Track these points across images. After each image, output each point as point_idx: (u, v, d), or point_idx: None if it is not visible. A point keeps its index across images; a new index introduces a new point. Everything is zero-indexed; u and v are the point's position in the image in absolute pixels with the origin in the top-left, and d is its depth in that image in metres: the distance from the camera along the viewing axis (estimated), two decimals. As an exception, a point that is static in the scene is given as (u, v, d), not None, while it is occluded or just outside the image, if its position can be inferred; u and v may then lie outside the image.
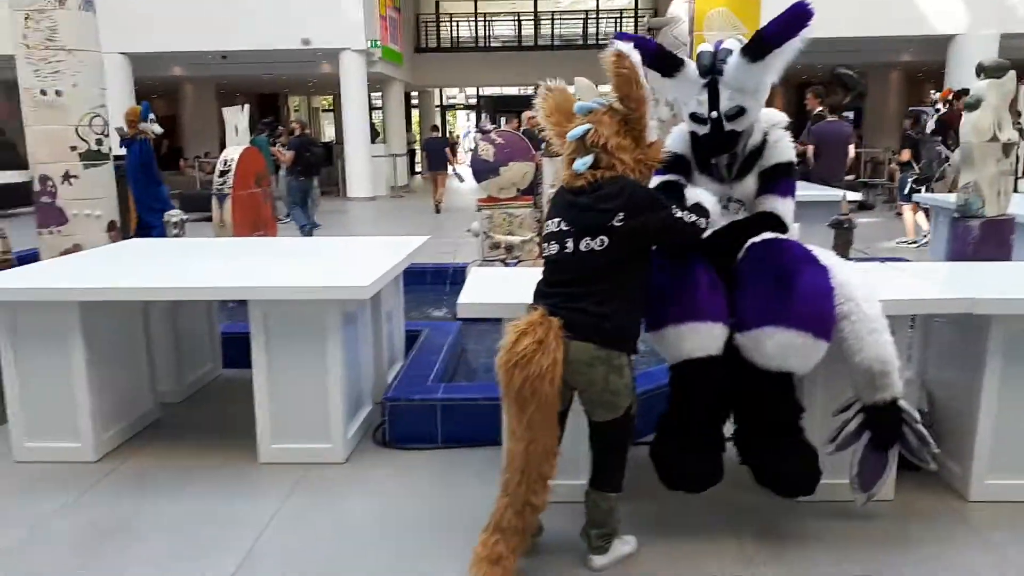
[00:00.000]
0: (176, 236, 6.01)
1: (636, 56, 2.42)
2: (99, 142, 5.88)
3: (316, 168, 11.45)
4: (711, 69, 2.66)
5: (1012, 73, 4.32)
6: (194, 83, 22.51)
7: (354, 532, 2.89)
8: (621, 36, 2.67)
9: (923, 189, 8.88)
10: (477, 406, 3.58)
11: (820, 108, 9.18)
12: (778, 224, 2.79)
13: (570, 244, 2.41)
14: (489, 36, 26.09)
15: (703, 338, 2.55)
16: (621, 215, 2.36)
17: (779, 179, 2.82)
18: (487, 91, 29.51)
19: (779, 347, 2.50)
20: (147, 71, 18.03)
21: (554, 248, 2.47)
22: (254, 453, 3.43)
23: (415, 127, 27.60)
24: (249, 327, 3.36)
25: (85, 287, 3.38)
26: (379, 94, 22.02)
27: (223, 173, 6.22)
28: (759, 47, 2.54)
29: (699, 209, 2.58)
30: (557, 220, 2.49)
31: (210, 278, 3.61)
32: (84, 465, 3.42)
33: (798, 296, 2.51)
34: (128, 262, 4.12)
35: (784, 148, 2.84)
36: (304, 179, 10.87)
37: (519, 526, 2.41)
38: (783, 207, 2.82)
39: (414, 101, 27.68)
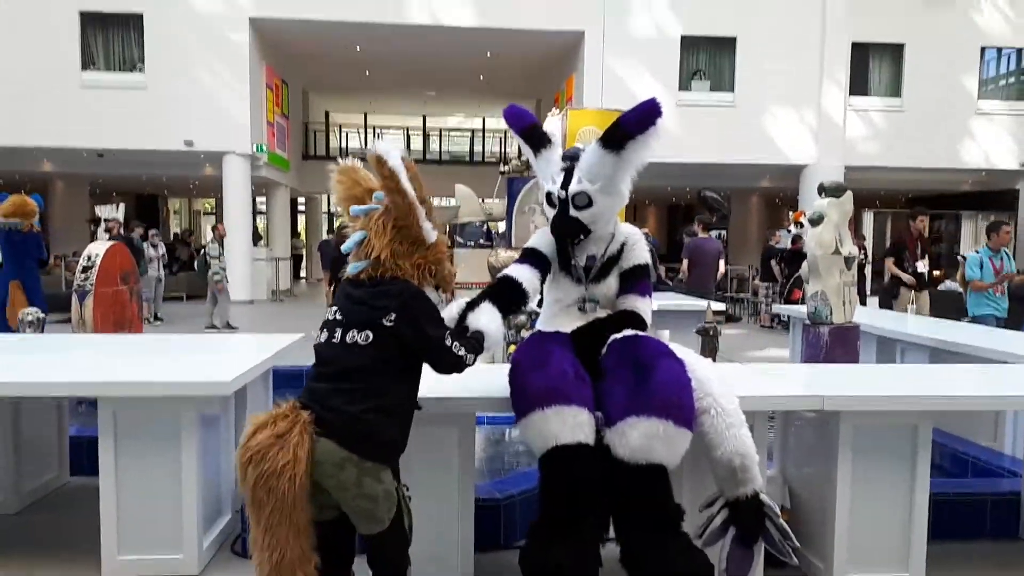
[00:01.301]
0: (29, 335, 5.59)
1: (396, 161, 2.32)
2: (-52, 231, 5.52)
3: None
4: (573, 157, 2.85)
5: (849, 193, 4.78)
6: (66, 180, 21.61)
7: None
8: (511, 108, 2.99)
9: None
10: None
11: (695, 227, 9.94)
12: (639, 322, 2.93)
13: (338, 335, 2.31)
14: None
15: (569, 422, 2.53)
16: (393, 316, 2.28)
17: (638, 280, 2.99)
18: (375, 200, 29.75)
19: (643, 437, 2.52)
20: (13, 164, 17.22)
21: (323, 337, 2.35)
22: (97, 566, 3.12)
23: (302, 232, 27.38)
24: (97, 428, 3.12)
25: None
26: (264, 198, 21.82)
27: (86, 269, 5.93)
28: (615, 135, 2.69)
29: (474, 342, 2.53)
30: (335, 309, 2.39)
31: (54, 373, 3.37)
32: None
33: (657, 385, 2.57)
34: (-34, 357, 3.79)
35: (641, 252, 3.03)
36: None
37: None
38: (643, 305, 2.98)
39: (301, 207, 27.58)
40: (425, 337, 2.34)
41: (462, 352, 2.43)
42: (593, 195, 2.78)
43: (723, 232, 16.93)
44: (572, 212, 2.80)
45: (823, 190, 4.83)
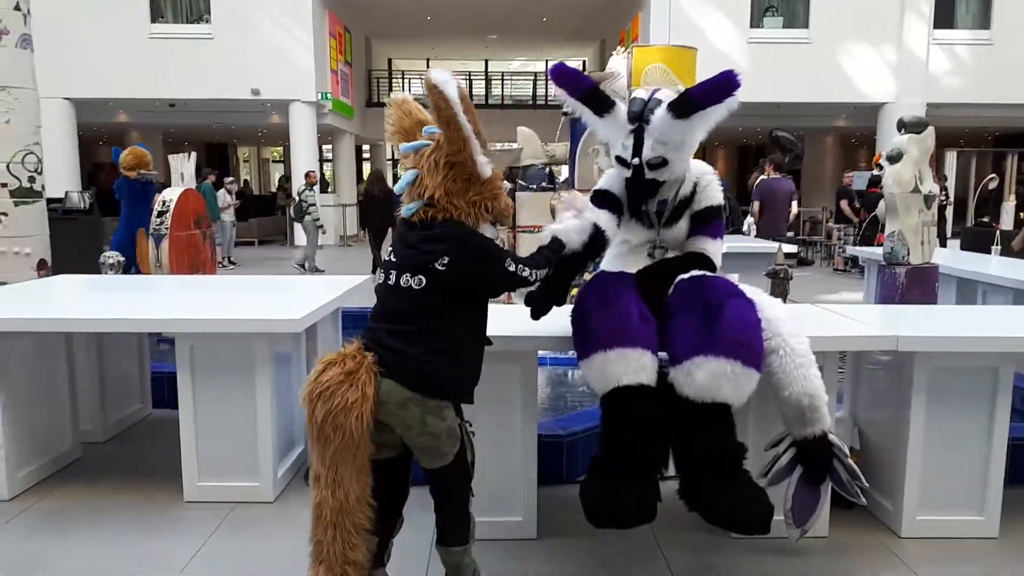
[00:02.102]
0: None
1: (452, 91, 2.16)
2: (31, 179, 5.76)
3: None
4: (639, 116, 2.67)
5: (931, 129, 4.54)
6: (140, 131, 22.23)
7: (278, 570, 2.78)
8: (557, 68, 2.72)
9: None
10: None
11: (767, 167, 9.64)
12: (708, 264, 2.84)
13: (393, 277, 2.27)
14: (441, 93, 26.48)
15: (632, 364, 2.51)
16: (446, 259, 2.20)
17: (709, 221, 2.89)
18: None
19: (710, 376, 2.49)
20: (92, 117, 17.79)
21: (381, 278, 2.33)
22: (179, 492, 3.30)
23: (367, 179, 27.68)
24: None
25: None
26: (330, 146, 22.09)
27: (161, 214, 6.13)
28: (684, 106, 2.57)
29: (543, 255, 2.52)
30: (390, 251, 2.36)
31: (134, 311, 3.51)
32: (-5, 504, 3.25)
33: (726, 325, 2.52)
34: (52, 297, 3.99)
35: (714, 193, 2.90)
36: None
37: None
38: (713, 247, 2.88)
39: (365, 154, 27.81)
40: (482, 274, 2.29)
41: (525, 272, 2.36)
42: (667, 155, 2.68)
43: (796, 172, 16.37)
44: (648, 174, 2.70)
45: (903, 125, 4.60)
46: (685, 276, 2.76)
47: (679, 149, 2.68)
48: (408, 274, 2.23)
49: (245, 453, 3.28)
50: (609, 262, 3.02)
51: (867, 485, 2.79)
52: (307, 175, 13.38)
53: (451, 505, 2.39)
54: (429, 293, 2.21)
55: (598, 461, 2.65)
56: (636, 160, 2.67)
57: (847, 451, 2.77)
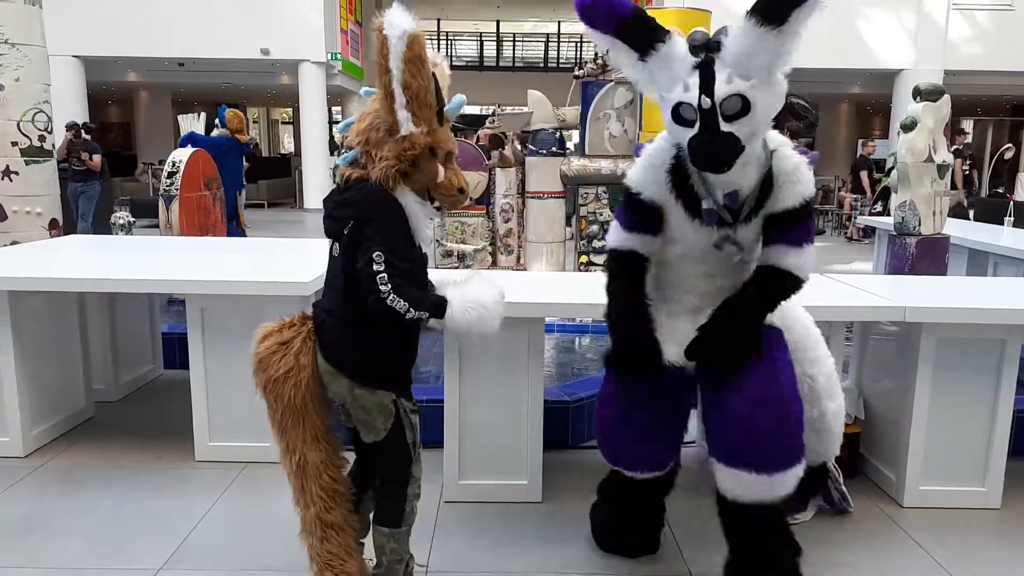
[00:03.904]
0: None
1: (394, 34, 1.85)
2: (42, 138, 5.77)
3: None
4: (706, 45, 1.97)
5: (946, 97, 4.48)
6: (149, 90, 22.18)
7: (288, 529, 2.82)
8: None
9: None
10: (420, 408, 3.53)
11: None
12: (788, 284, 2.17)
13: (329, 245, 2.14)
14: (451, 55, 26.25)
15: (637, 478, 2.53)
16: (351, 225, 1.99)
17: (796, 225, 2.14)
18: (448, 109, 29.54)
19: (726, 480, 2.25)
20: (101, 76, 17.70)
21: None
22: (191, 451, 3.35)
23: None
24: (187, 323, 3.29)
25: (12, 276, 3.29)
26: (339, 108, 21.93)
27: (171, 175, 6.12)
28: (776, 6, 1.84)
29: (427, 300, 1.99)
30: None
31: (145, 272, 3.54)
32: (11, 460, 3.31)
33: (729, 425, 2.20)
34: (65, 256, 4.01)
35: (802, 180, 2.12)
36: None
37: (336, 552, 2.18)
38: (797, 260, 2.14)
39: (375, 116, 27.57)
40: (363, 260, 1.94)
41: (387, 288, 1.91)
42: (751, 96, 1.94)
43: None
44: (725, 125, 1.95)
45: (918, 93, 4.54)
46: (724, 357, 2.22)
47: (767, 84, 1.96)
48: (332, 240, 2.10)
49: (255, 413, 3.28)
50: (654, 288, 2.40)
51: (851, 508, 2.94)
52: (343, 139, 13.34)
53: (384, 483, 2.26)
54: (344, 260, 2.04)
55: (606, 490, 2.71)
56: (707, 101, 1.93)
57: (841, 477, 2.89)
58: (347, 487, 2.23)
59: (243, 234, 7.81)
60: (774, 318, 2.28)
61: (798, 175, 2.10)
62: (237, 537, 2.76)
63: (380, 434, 2.15)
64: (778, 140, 2.15)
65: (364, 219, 1.97)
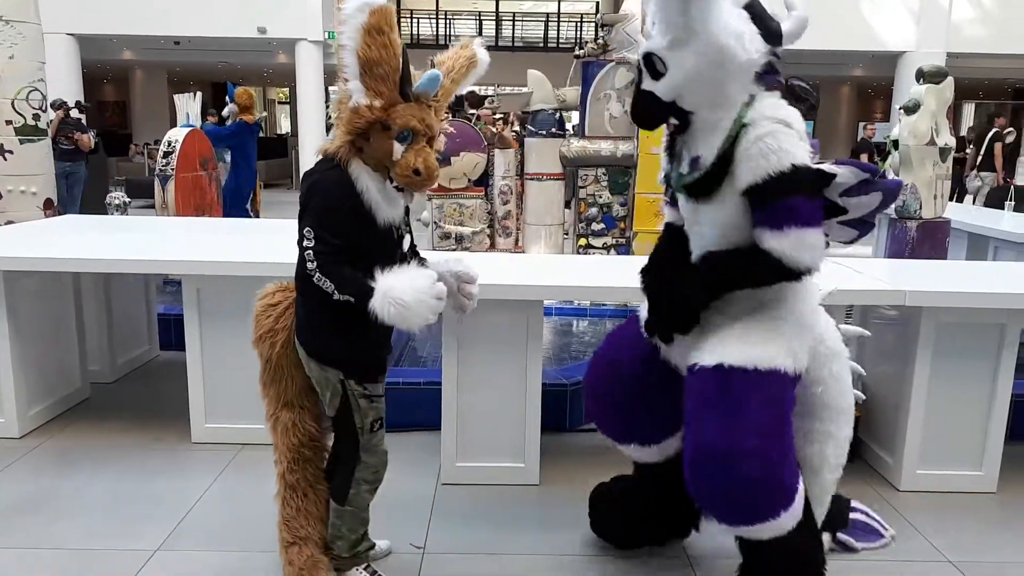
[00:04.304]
0: (117, 217, 5.85)
1: (351, 5, 1.87)
2: (36, 117, 5.72)
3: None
4: None
5: (950, 80, 4.44)
6: (145, 69, 21.97)
7: (285, 512, 2.83)
8: None
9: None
10: (418, 390, 3.54)
11: None
12: (764, 266, 1.95)
13: None
14: (450, 34, 26.03)
15: (631, 453, 2.49)
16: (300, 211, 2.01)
17: (773, 199, 1.90)
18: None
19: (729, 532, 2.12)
20: (96, 54, 17.54)
21: None
22: (187, 432, 3.34)
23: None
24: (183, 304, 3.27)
25: (7, 256, 3.26)
26: (337, 87, 21.78)
27: (166, 154, 6.07)
28: None
29: (349, 282, 1.94)
30: None
31: (141, 252, 3.51)
32: (6, 441, 3.30)
33: (691, 469, 2.00)
34: (60, 236, 3.98)
35: (769, 154, 1.88)
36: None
37: (292, 514, 2.23)
38: (780, 244, 1.91)
39: (373, 97, 27.42)
40: (299, 230, 1.96)
41: (314, 264, 1.93)
42: (663, 55, 1.88)
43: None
44: (645, 84, 1.96)
45: (921, 75, 4.50)
46: (699, 363, 2.05)
47: (687, 45, 1.86)
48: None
49: (252, 395, 3.27)
50: None
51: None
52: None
53: (335, 457, 2.28)
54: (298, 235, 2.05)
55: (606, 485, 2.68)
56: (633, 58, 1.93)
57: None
58: (316, 453, 2.27)
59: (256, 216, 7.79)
60: (798, 362, 2.07)
61: (760, 149, 1.88)
62: (234, 518, 2.76)
63: (332, 411, 2.18)
64: (762, 115, 1.93)
65: (305, 193, 1.99)
